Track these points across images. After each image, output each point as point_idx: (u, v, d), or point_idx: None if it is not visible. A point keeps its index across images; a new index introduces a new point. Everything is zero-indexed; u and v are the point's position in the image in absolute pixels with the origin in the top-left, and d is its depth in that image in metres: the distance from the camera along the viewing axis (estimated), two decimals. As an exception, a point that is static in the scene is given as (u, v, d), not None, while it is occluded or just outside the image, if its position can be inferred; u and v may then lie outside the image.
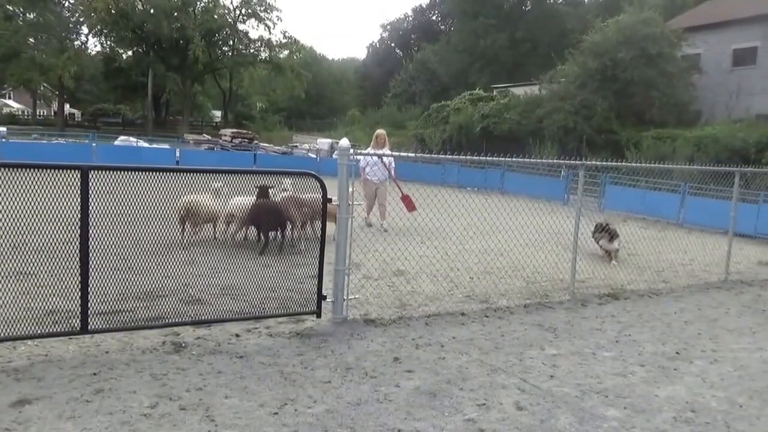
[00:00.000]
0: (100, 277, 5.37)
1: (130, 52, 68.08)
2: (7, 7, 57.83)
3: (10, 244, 5.08)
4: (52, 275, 5.41)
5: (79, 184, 4.92)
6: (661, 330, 6.91)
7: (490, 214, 10.11)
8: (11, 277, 5.28)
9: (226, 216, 9.66)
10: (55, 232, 5.34)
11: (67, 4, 64.22)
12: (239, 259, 8.33)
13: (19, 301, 5.31)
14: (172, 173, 5.75)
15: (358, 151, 8.06)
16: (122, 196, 5.51)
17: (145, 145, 34.05)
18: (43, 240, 5.48)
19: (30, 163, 4.90)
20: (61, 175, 5.01)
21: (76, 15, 63.13)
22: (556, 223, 10.51)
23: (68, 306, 5.61)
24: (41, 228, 5.29)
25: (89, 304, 5.11)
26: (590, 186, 19.69)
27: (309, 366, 5.09)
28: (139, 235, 6.04)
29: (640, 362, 5.76)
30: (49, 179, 4.95)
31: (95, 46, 70.05)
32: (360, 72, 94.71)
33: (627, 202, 19.54)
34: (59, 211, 5.04)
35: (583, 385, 5.07)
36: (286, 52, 68.33)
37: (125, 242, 6.53)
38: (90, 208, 4.99)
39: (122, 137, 37.33)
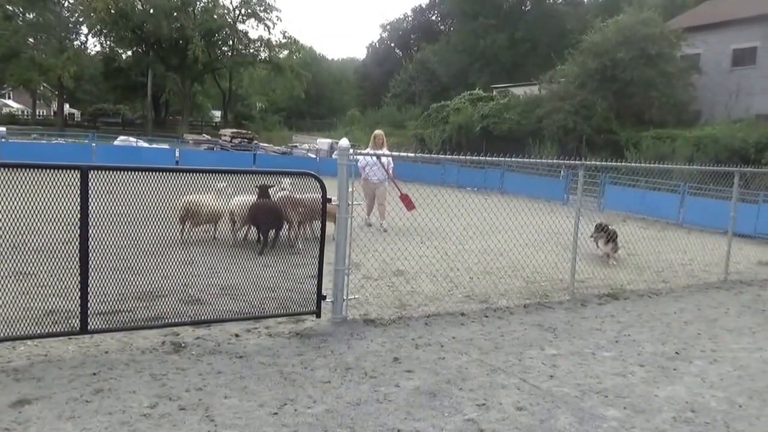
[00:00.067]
0: (99, 277, 5.37)
1: (129, 52, 68.09)
2: (7, 7, 57.81)
3: (9, 244, 5.07)
4: (51, 275, 5.41)
5: (78, 184, 4.92)
6: (660, 330, 6.91)
7: (490, 214, 10.11)
8: (11, 277, 5.28)
9: (228, 215, 9.72)
10: (54, 232, 5.34)
11: (66, 4, 64.26)
12: (239, 259, 8.34)
13: (19, 301, 5.31)
14: (171, 173, 5.74)
15: (358, 151, 8.05)
16: (122, 196, 5.51)
17: (145, 145, 34.02)
18: (42, 240, 5.48)
19: (30, 163, 4.90)
20: (60, 175, 5.01)
21: (76, 15, 63.14)
22: (555, 223, 10.52)
23: (68, 306, 5.61)
24: (41, 228, 5.29)
25: (89, 304, 5.11)
26: (590, 186, 19.69)
27: (309, 366, 5.09)
28: (139, 235, 6.03)
29: (640, 362, 5.76)
30: (48, 179, 4.95)
31: (95, 46, 70.19)
32: (360, 72, 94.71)
33: (626, 202, 19.55)
34: (59, 211, 5.04)
35: (583, 385, 5.07)
36: (286, 52, 68.36)
37: (125, 242, 6.53)
38: (90, 208, 4.99)
39: (122, 137, 37.32)
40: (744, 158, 23.17)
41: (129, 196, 5.52)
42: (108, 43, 66.97)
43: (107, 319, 5.55)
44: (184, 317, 5.72)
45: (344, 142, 6.48)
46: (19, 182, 4.82)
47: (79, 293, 5.07)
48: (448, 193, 11.48)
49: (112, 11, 56.75)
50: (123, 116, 78.54)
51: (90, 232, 5.05)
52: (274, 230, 9.53)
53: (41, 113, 79.75)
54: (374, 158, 11.86)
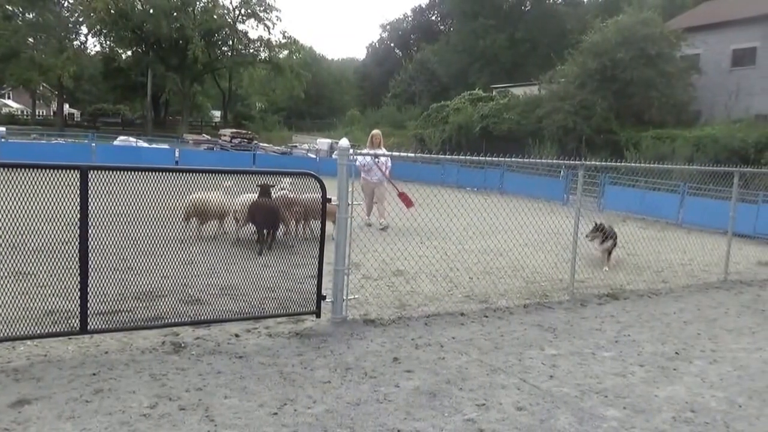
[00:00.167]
0: (99, 277, 5.37)
1: (129, 52, 68.11)
2: (7, 6, 57.81)
3: (9, 244, 5.07)
4: (51, 275, 5.41)
5: (78, 184, 4.91)
6: (660, 330, 6.91)
7: (490, 214, 10.12)
8: (11, 277, 5.27)
9: (233, 213, 9.80)
10: (54, 232, 5.33)
11: (66, 3, 64.28)
12: (239, 259, 8.34)
13: (19, 301, 5.31)
14: (171, 173, 5.74)
15: (357, 151, 8.05)
16: (121, 196, 5.51)
17: (145, 145, 34.03)
18: (42, 240, 5.47)
19: (29, 163, 4.90)
20: (60, 175, 5.01)
21: (76, 15, 63.16)
22: (555, 223, 10.52)
23: (68, 306, 5.60)
24: (41, 228, 5.29)
25: (89, 304, 5.11)
26: (589, 186, 19.69)
27: (308, 366, 5.09)
28: (139, 235, 6.03)
29: (640, 362, 5.76)
30: (48, 179, 4.94)
31: (94, 46, 70.21)
32: (359, 72, 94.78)
33: (626, 202, 19.56)
34: (59, 211, 5.04)
35: (583, 385, 5.07)
36: (286, 52, 68.38)
37: (125, 242, 6.52)
38: (89, 208, 4.99)
39: (122, 137, 37.34)
40: (743, 158, 23.18)
41: (129, 196, 5.51)
42: (108, 43, 67.03)
43: (107, 319, 5.55)
44: (184, 317, 5.72)
45: (344, 142, 6.48)
46: (19, 182, 4.81)
47: (78, 293, 5.06)
48: (447, 193, 11.48)
49: (112, 11, 56.79)
50: (123, 116, 78.52)
51: (90, 232, 5.05)
52: (271, 229, 9.57)
53: (41, 113, 79.74)
54: (372, 159, 11.89)
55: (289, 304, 6.23)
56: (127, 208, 5.69)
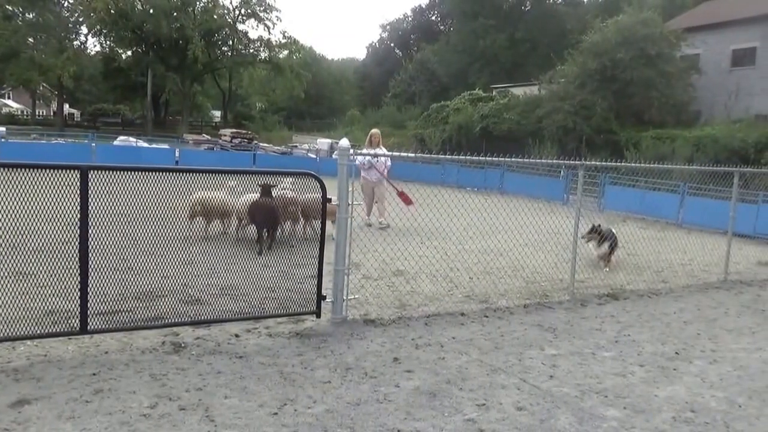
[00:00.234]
0: (99, 278, 5.37)
1: (129, 52, 68.10)
2: (7, 6, 57.81)
3: (9, 244, 5.07)
4: (51, 275, 5.40)
5: (78, 184, 4.91)
6: (660, 330, 6.91)
7: (490, 214, 10.12)
8: (11, 278, 5.27)
9: (237, 213, 9.94)
10: (54, 232, 5.33)
11: (66, 3, 64.27)
12: (239, 259, 8.34)
13: (19, 301, 5.31)
14: (171, 173, 5.74)
15: (357, 151, 8.06)
16: (121, 196, 5.51)
17: (145, 145, 34.03)
18: (42, 240, 5.47)
19: (29, 163, 4.90)
20: (60, 175, 5.01)
21: (76, 15, 63.15)
22: (555, 223, 10.51)
23: (68, 306, 5.60)
24: (41, 228, 5.29)
25: (89, 304, 5.11)
26: (590, 186, 19.68)
27: (309, 366, 5.09)
28: (139, 235, 6.03)
29: (640, 362, 5.76)
30: (48, 179, 4.94)
31: (94, 46, 70.18)
32: (360, 72, 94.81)
33: (626, 202, 19.55)
34: (59, 211, 5.04)
35: (583, 385, 5.07)
36: (286, 52, 68.39)
37: (125, 242, 6.53)
38: (89, 208, 4.99)
39: (122, 137, 37.33)
40: (743, 158, 23.18)
41: (129, 196, 5.51)
42: (108, 43, 67.02)
43: (107, 319, 5.55)
44: (184, 317, 5.72)
45: (344, 142, 6.48)
46: (19, 182, 4.82)
47: (78, 293, 5.06)
48: (448, 193, 11.48)
49: (112, 11, 56.78)
50: (123, 116, 78.53)
51: (90, 232, 5.05)
52: (270, 229, 9.60)
53: (41, 113, 79.75)
54: (369, 159, 11.91)
55: (290, 304, 6.23)
56: (127, 208, 5.69)
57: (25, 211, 4.95)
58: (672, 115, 31.29)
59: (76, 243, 5.03)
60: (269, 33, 78.46)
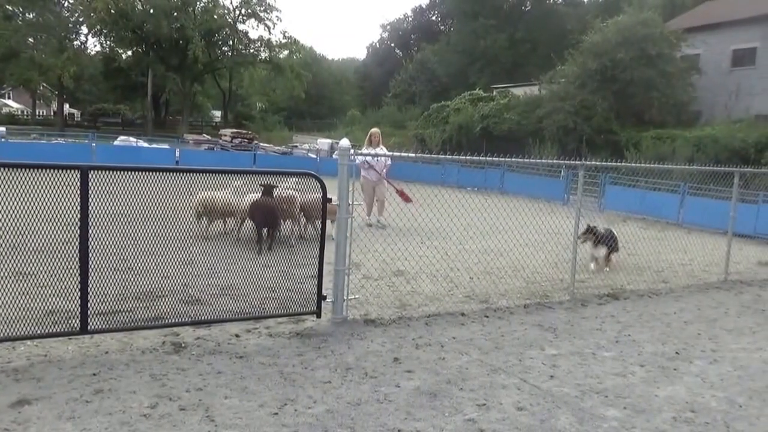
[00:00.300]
0: (99, 278, 5.37)
1: (129, 52, 68.05)
2: (7, 6, 57.82)
3: (9, 244, 5.07)
4: (51, 275, 5.40)
5: (78, 184, 4.91)
6: (660, 330, 6.91)
7: (490, 215, 10.11)
8: (11, 278, 5.27)
9: (241, 212, 9.99)
10: (54, 232, 5.33)
11: (66, 3, 64.27)
12: (239, 259, 8.34)
13: (19, 301, 5.31)
14: (171, 173, 5.74)
15: (357, 151, 8.05)
16: (122, 196, 5.51)
17: (145, 145, 34.03)
18: (42, 240, 5.47)
19: (30, 163, 4.90)
20: (60, 175, 5.01)
21: (76, 15, 63.12)
22: (555, 224, 10.51)
23: (68, 306, 5.60)
24: (41, 228, 5.29)
25: (89, 305, 5.10)
26: (590, 186, 19.68)
27: (309, 366, 5.09)
28: (139, 235, 6.03)
29: (640, 362, 5.76)
30: (48, 179, 4.94)
31: (95, 46, 70.17)
32: (360, 72, 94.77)
33: (627, 202, 19.55)
34: (59, 211, 5.04)
35: (583, 385, 5.07)
36: (286, 52, 68.42)
37: (125, 242, 6.53)
38: (90, 208, 4.99)
39: (122, 137, 37.33)
40: (744, 158, 23.17)
41: (129, 196, 5.51)
42: (108, 43, 66.99)
43: (107, 319, 5.54)
44: (185, 317, 5.72)
45: (345, 142, 6.48)
46: (19, 182, 4.81)
47: (79, 293, 5.06)
48: (448, 193, 11.48)
49: (112, 11, 56.73)
50: (123, 116, 78.56)
51: (90, 232, 5.05)
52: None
53: (41, 113, 79.77)
54: (369, 158, 11.92)
55: (290, 304, 6.23)
56: (127, 208, 5.69)
57: (26, 211, 4.95)
58: (672, 116, 31.30)
59: (77, 243, 5.03)
60: (269, 33, 78.65)
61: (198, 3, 63.34)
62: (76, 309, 5.16)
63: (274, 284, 6.63)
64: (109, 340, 5.38)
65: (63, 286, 5.44)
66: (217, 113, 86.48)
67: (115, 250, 6.66)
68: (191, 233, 9.35)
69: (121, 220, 5.87)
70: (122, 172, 5.39)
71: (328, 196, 6.28)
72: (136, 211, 5.66)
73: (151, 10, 60.06)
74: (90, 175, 4.96)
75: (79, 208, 4.96)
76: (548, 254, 10.24)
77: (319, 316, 6.29)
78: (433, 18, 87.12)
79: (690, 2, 48.70)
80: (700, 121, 31.72)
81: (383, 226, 12.58)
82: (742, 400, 4.99)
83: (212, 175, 9.31)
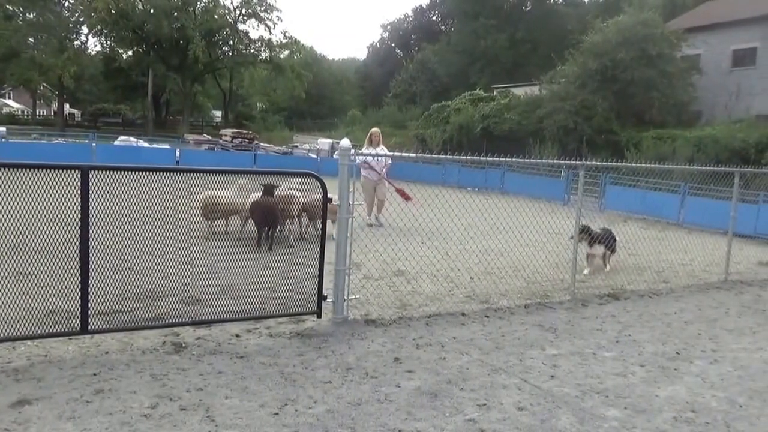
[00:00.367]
0: (100, 278, 5.37)
1: (130, 52, 68.06)
2: (7, 6, 57.84)
3: (10, 245, 5.07)
4: (52, 275, 5.40)
5: (79, 184, 4.91)
6: (661, 330, 6.91)
7: (491, 215, 10.11)
8: (11, 278, 5.27)
9: (244, 211, 10.06)
10: (55, 232, 5.33)
11: (67, 3, 64.25)
12: (239, 259, 8.33)
13: (19, 301, 5.31)
14: (171, 173, 5.74)
15: (358, 151, 8.05)
16: (122, 196, 5.51)
17: (145, 145, 34.04)
18: (43, 240, 5.47)
19: (30, 163, 4.90)
20: (61, 175, 5.01)
21: (76, 15, 63.10)
22: (556, 224, 10.51)
23: (68, 306, 5.60)
24: (41, 228, 5.29)
25: (89, 305, 5.10)
26: (590, 186, 19.67)
27: (309, 366, 5.09)
28: (139, 235, 6.03)
29: (641, 362, 5.76)
30: (49, 179, 4.94)
31: (95, 45, 70.17)
32: (360, 72, 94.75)
33: (627, 202, 19.55)
34: (59, 212, 5.04)
35: (584, 385, 5.07)
36: (287, 52, 68.43)
37: (125, 242, 6.53)
38: (90, 208, 4.98)
39: (122, 137, 37.35)
40: (744, 158, 23.18)
41: (129, 196, 5.51)
42: (108, 42, 66.97)
43: (108, 319, 5.54)
44: (185, 317, 5.72)
45: (345, 142, 6.48)
46: (20, 182, 4.82)
47: (79, 293, 5.06)
48: (448, 193, 11.47)
49: (113, 11, 56.74)
50: (123, 116, 78.60)
51: (90, 232, 5.05)
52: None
53: (41, 113, 79.79)
54: (370, 157, 11.94)
55: (290, 304, 6.23)
56: (127, 208, 5.69)
57: (26, 212, 4.95)
58: (673, 116, 31.30)
59: (77, 243, 5.03)
60: (270, 33, 78.66)
61: (198, 3, 63.36)
62: (76, 309, 5.16)
63: (275, 284, 6.63)
64: (109, 340, 5.38)
65: (63, 286, 5.44)
66: (218, 113, 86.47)
67: (115, 250, 6.66)
68: (193, 232, 9.36)
69: (122, 220, 5.87)
70: (122, 172, 5.39)
71: (329, 195, 6.29)
72: (137, 211, 5.65)
73: (152, 10, 60.07)
74: (90, 175, 4.96)
75: (79, 208, 4.96)
76: (549, 254, 10.24)
77: (319, 316, 6.29)
78: (434, 18, 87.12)
79: (690, 2, 48.70)
80: (700, 121, 31.72)
81: (380, 224, 12.62)
82: (742, 400, 4.99)
83: (213, 175, 9.32)
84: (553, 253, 10.50)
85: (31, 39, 59.33)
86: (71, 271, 5.19)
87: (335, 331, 6.06)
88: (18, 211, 4.86)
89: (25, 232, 5.13)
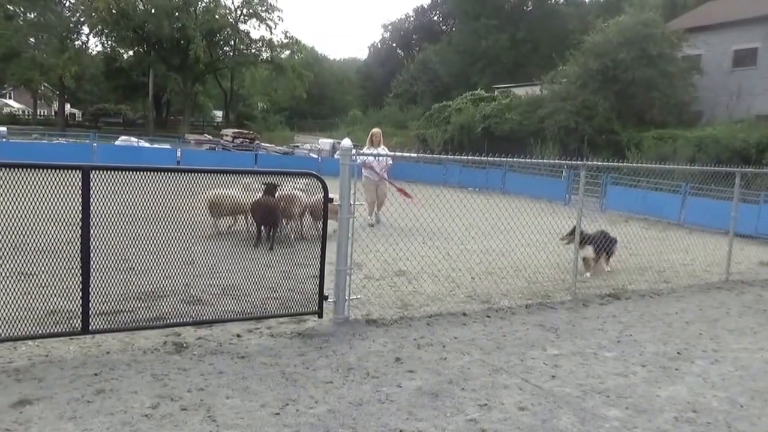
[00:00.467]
0: (101, 278, 5.37)
1: (131, 52, 68.08)
2: (8, 6, 57.87)
3: (11, 245, 5.07)
4: (53, 275, 5.41)
5: (80, 184, 4.91)
6: (662, 330, 6.91)
7: (492, 215, 10.10)
8: (12, 278, 5.27)
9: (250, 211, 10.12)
10: (56, 232, 5.33)
11: (68, 3, 64.21)
12: (240, 259, 8.33)
13: (20, 301, 5.31)
14: (172, 173, 5.74)
15: (359, 151, 8.05)
16: (123, 196, 5.51)
17: (146, 145, 34.04)
18: (44, 240, 5.47)
19: (31, 163, 4.90)
20: (62, 175, 5.00)
21: (77, 15, 63.07)
22: (557, 224, 10.50)
23: (69, 306, 5.60)
24: (42, 228, 5.28)
25: (90, 305, 5.10)
26: (591, 186, 19.68)
27: (311, 366, 5.09)
28: (140, 235, 6.03)
29: (642, 362, 5.75)
30: (50, 179, 4.94)
31: (96, 45, 70.20)
32: (362, 72, 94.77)
33: (628, 202, 19.54)
34: (60, 212, 5.03)
35: (585, 385, 5.07)
36: (288, 52, 68.41)
37: (126, 242, 6.52)
38: (91, 208, 4.98)
39: (123, 137, 37.34)
40: (745, 159, 23.18)
41: (130, 196, 5.51)
42: (109, 42, 67.00)
43: (109, 319, 5.55)
44: (186, 317, 5.72)
45: (347, 142, 6.48)
46: (21, 182, 4.81)
47: (80, 293, 5.06)
48: (449, 193, 11.47)
49: (114, 11, 56.73)
50: (124, 116, 78.64)
51: (91, 232, 5.05)
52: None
53: (42, 113, 79.82)
54: (371, 157, 11.95)
55: (291, 304, 6.23)
56: (128, 208, 5.69)
57: (27, 212, 4.95)
58: (674, 116, 31.30)
59: (78, 243, 5.03)
60: (271, 33, 78.87)
61: (199, 3, 63.35)
62: (77, 309, 5.16)
63: (276, 284, 6.64)
64: (110, 340, 5.38)
65: (64, 286, 5.44)
66: (219, 113, 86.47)
67: (116, 250, 6.66)
68: (194, 232, 9.36)
69: (123, 220, 5.87)
70: (123, 172, 5.39)
71: (330, 195, 6.28)
72: (138, 211, 5.65)
73: (153, 10, 60.07)
74: (91, 175, 4.96)
75: (80, 208, 4.96)
76: (550, 254, 10.23)
77: (320, 316, 6.29)
78: (435, 18, 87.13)
79: (691, 2, 48.68)
80: (701, 122, 31.71)
81: (378, 221, 12.65)
82: (743, 400, 4.98)
83: (213, 175, 9.32)
84: (555, 254, 10.49)
85: (31, 39, 59.34)
86: (72, 271, 5.19)
87: (336, 331, 6.06)
88: (19, 211, 4.86)
89: (26, 232, 5.13)
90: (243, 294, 6.48)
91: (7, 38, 54.70)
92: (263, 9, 66.19)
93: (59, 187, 4.98)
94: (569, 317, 7.18)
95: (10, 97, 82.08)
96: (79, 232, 5.00)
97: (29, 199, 4.88)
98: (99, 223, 5.27)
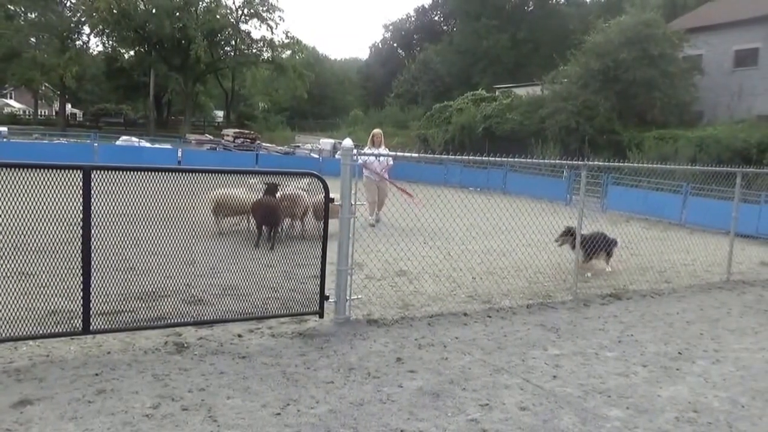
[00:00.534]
0: (102, 278, 5.37)
1: (131, 52, 68.02)
2: (9, 6, 57.88)
3: (11, 244, 5.07)
4: (54, 275, 5.41)
5: (81, 184, 4.91)
6: (663, 330, 6.90)
7: (493, 215, 10.09)
8: (13, 278, 5.27)
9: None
10: (57, 232, 5.33)
11: (68, 3, 64.12)
12: (241, 259, 8.33)
13: (21, 301, 5.31)
14: (173, 173, 5.74)
15: (360, 151, 8.04)
16: (124, 196, 5.51)
17: (147, 145, 34.03)
18: (45, 240, 5.47)
19: (32, 163, 4.90)
20: (63, 175, 5.00)
21: (78, 15, 63.02)
22: (558, 224, 10.48)
23: (70, 306, 5.60)
24: (43, 228, 5.28)
25: (91, 305, 5.10)
26: (592, 186, 19.68)
27: (312, 366, 5.09)
28: (141, 234, 6.03)
29: (643, 362, 5.75)
30: (51, 179, 4.94)
31: (97, 45, 70.27)
32: (363, 72, 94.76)
33: (629, 202, 19.52)
34: (61, 211, 5.03)
35: (586, 385, 5.06)
36: (289, 52, 68.36)
37: (127, 242, 6.52)
38: (92, 207, 4.98)
39: (124, 137, 37.33)
40: (746, 159, 23.17)
41: (131, 196, 5.51)
42: (110, 42, 66.94)
43: (109, 319, 5.54)
44: (187, 317, 5.72)
45: (347, 142, 6.47)
46: (21, 182, 4.82)
47: (81, 293, 5.06)
48: (450, 193, 11.47)
49: (115, 11, 56.69)
50: (125, 116, 78.62)
51: (92, 232, 5.05)
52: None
53: (43, 113, 79.82)
54: (372, 157, 11.95)
55: (292, 304, 6.23)
56: (129, 208, 5.69)
57: (28, 211, 4.95)
58: (675, 116, 31.29)
59: (79, 243, 5.03)
60: (272, 33, 78.97)
61: (200, 3, 63.28)
62: (78, 309, 5.16)
63: (277, 284, 6.63)
64: (111, 341, 5.38)
65: (65, 286, 5.44)
66: (220, 113, 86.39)
67: (117, 250, 6.66)
68: (195, 232, 9.36)
69: (124, 220, 5.87)
70: (124, 172, 5.39)
71: (331, 195, 6.28)
72: (139, 211, 5.65)
73: (154, 10, 60.01)
74: (92, 175, 4.96)
75: (81, 208, 4.96)
76: (551, 254, 10.22)
77: (321, 316, 6.28)
78: (436, 18, 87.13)
79: (692, 3, 48.66)
80: (702, 122, 31.70)
81: (377, 220, 12.64)
82: (744, 400, 4.98)
83: (214, 175, 9.32)
84: (555, 254, 10.48)
85: (32, 39, 59.33)
86: (73, 271, 5.20)
87: (337, 331, 6.06)
88: (20, 211, 4.86)
89: (27, 232, 5.13)
90: (244, 294, 6.48)
91: (8, 38, 54.71)
92: (264, 9, 66.14)
93: (60, 187, 4.98)
94: (570, 317, 7.17)
95: (10, 97, 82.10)
96: (80, 232, 5.00)
97: (30, 199, 4.88)
98: (100, 223, 5.27)
